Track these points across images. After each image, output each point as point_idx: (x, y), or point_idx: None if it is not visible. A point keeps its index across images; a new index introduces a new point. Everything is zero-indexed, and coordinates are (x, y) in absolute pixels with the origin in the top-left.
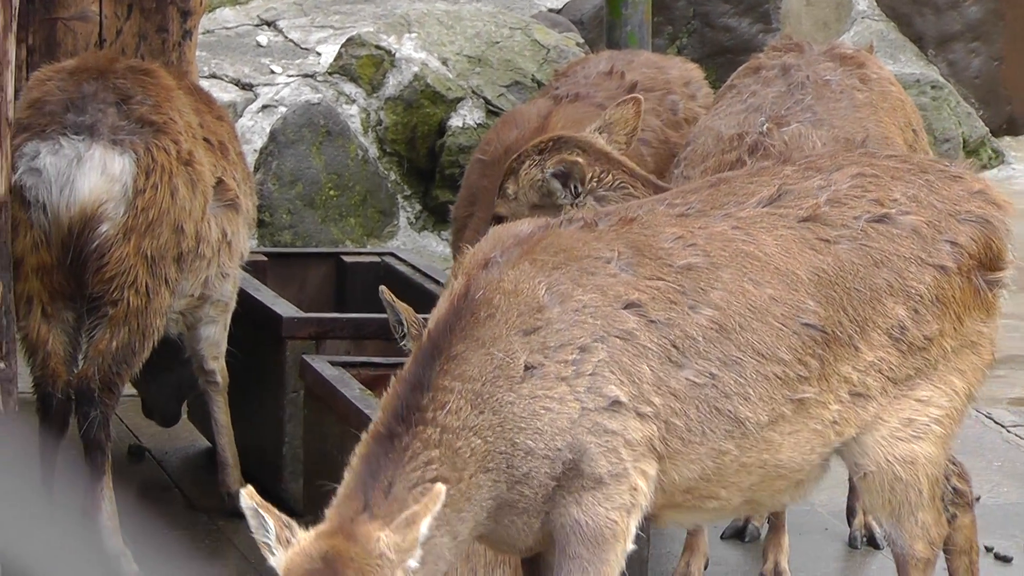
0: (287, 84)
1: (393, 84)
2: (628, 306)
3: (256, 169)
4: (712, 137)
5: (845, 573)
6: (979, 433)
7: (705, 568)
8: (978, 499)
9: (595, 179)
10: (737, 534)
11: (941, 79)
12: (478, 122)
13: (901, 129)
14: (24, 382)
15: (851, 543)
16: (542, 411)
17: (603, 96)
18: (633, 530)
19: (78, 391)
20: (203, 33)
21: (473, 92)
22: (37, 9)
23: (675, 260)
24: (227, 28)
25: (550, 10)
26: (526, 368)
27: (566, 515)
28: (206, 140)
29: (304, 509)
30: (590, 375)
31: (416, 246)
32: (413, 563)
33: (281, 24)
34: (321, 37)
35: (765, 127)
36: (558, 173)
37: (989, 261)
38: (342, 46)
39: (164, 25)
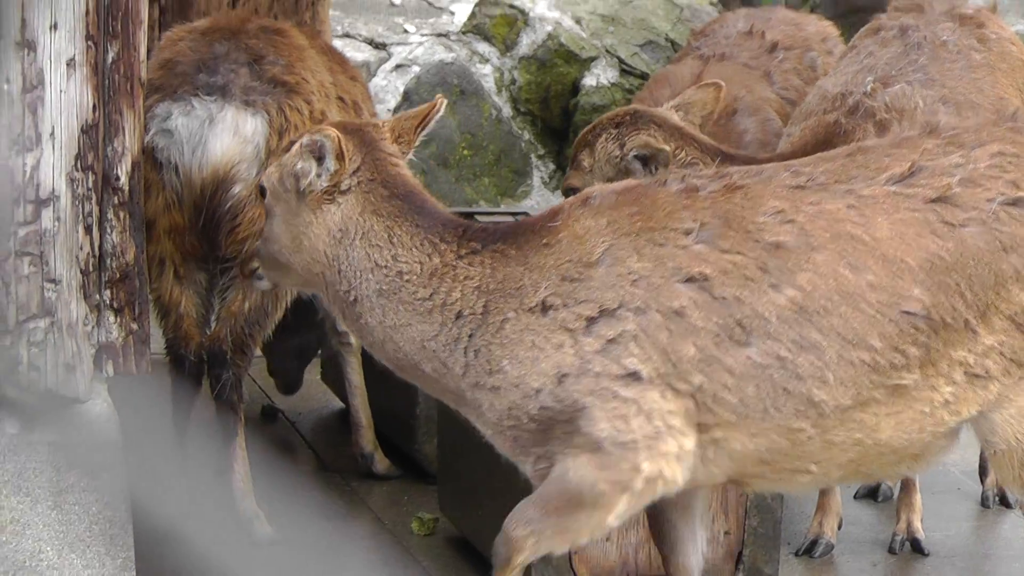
0: (420, 43)
1: (527, 43)
2: (688, 280)
3: None
4: (818, 95)
5: (978, 532)
6: None
7: (839, 528)
8: None
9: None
10: (870, 493)
11: None
12: (612, 81)
13: (1019, 89)
14: (156, 343)
15: (983, 503)
16: (530, 344)
17: (747, 56)
18: (625, 509)
19: (210, 353)
20: None
21: (607, 51)
22: None
23: (765, 236)
24: None
25: None
26: (543, 304)
27: (559, 467)
28: (340, 99)
29: (437, 470)
30: (608, 340)
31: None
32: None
33: None
34: None
35: (869, 87)
36: (640, 156)
37: None
38: (476, 5)
39: None
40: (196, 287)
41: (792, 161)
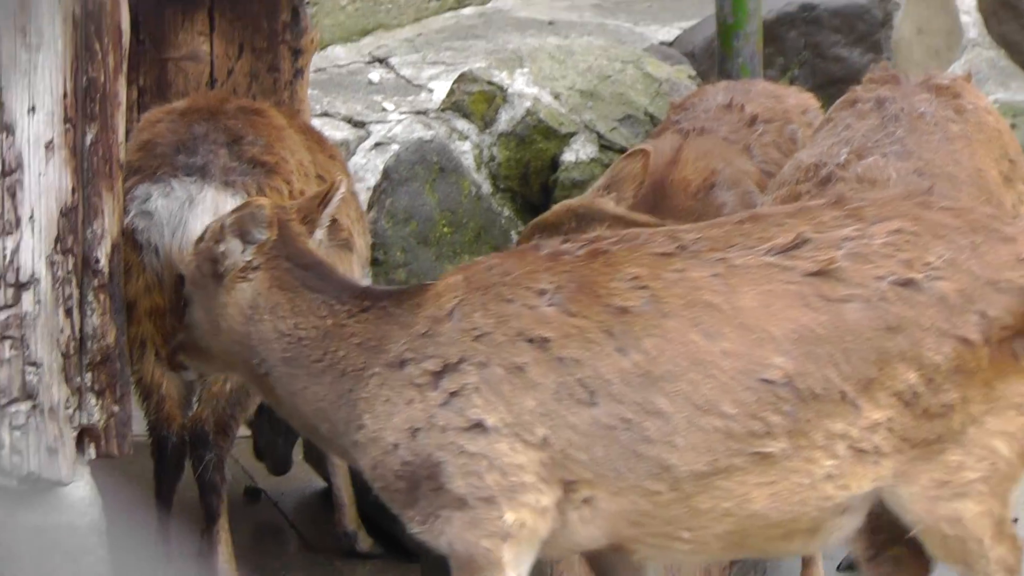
0: (399, 121)
1: (505, 119)
2: (531, 340)
3: (369, 207)
4: (793, 166)
5: None
6: None
7: None
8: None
9: None
10: (851, 566)
11: None
12: (591, 156)
13: (996, 160)
14: (139, 425)
15: None
16: (384, 399)
17: (727, 129)
18: (518, 560)
19: (193, 434)
20: (315, 71)
21: (586, 126)
22: (148, 49)
23: (615, 301)
24: (339, 66)
25: (661, 43)
26: (400, 359)
27: (441, 535)
28: (319, 178)
29: (419, 548)
30: (451, 393)
31: None
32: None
33: (393, 61)
34: (433, 73)
35: (843, 158)
36: None
37: None
38: (454, 82)
39: (275, 64)
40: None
41: (679, 227)
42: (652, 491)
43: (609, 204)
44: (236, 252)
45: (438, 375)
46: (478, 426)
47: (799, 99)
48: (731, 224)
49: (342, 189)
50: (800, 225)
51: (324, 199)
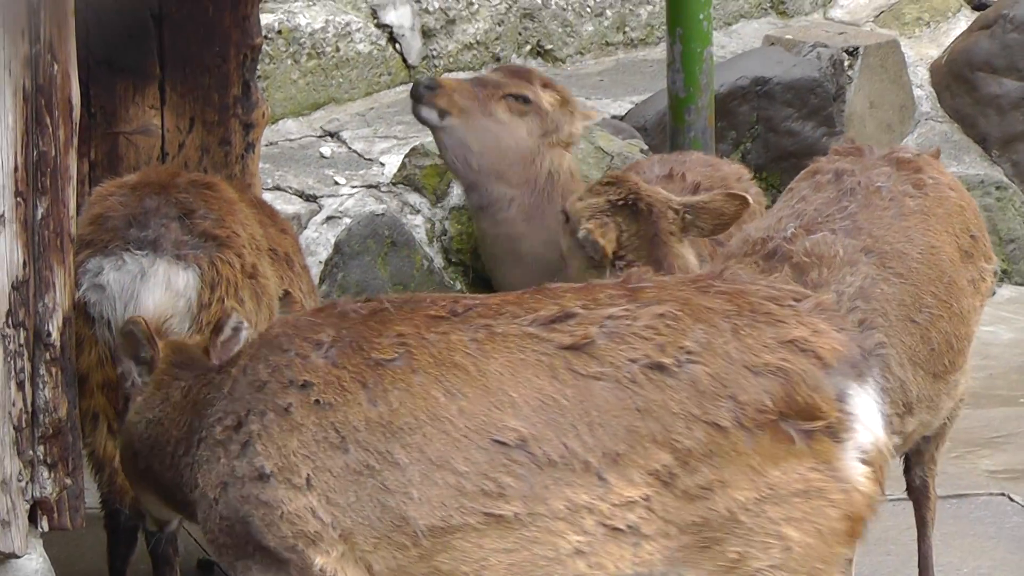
0: (351, 195)
1: (457, 194)
2: (300, 386)
3: (321, 281)
4: (741, 239)
5: None
6: None
7: None
8: None
9: None
10: None
11: (1006, 179)
12: None
13: (956, 235)
14: (92, 498)
15: None
16: (205, 459)
17: None
18: None
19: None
20: (266, 145)
21: None
22: (99, 123)
23: (374, 354)
24: (290, 140)
25: (613, 116)
26: (213, 420)
27: None
28: (271, 251)
29: None
30: (243, 445)
31: None
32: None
33: (344, 135)
34: (384, 147)
35: (790, 232)
36: None
37: (800, 412)
38: (405, 156)
39: (227, 138)
40: None
41: (472, 296)
42: (399, 544)
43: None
44: (132, 372)
45: (235, 429)
46: (262, 476)
47: (733, 168)
48: (520, 295)
49: (233, 318)
50: (574, 300)
51: (217, 328)
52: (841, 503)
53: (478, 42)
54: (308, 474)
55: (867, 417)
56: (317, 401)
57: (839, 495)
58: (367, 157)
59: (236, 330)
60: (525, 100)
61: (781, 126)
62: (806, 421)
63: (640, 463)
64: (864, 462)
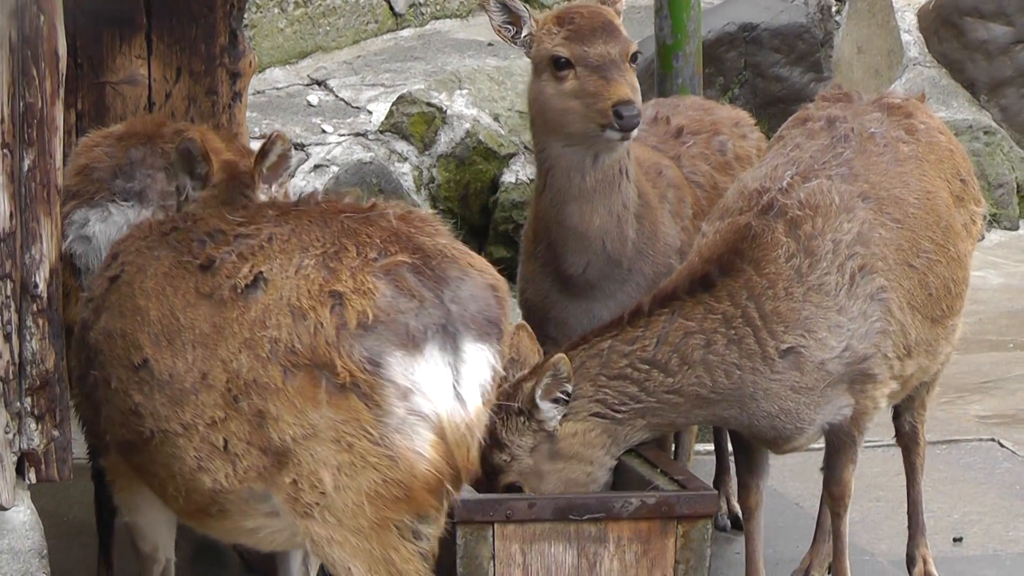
0: (339, 143)
1: (445, 141)
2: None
3: None
4: (736, 191)
5: None
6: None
7: None
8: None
9: None
10: None
11: (994, 124)
12: (531, 177)
13: (947, 180)
14: (79, 448)
15: None
16: None
17: (655, 141)
18: None
19: None
20: (253, 94)
21: (525, 147)
22: (86, 74)
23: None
24: (277, 88)
25: None
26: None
27: None
28: None
29: None
30: None
31: None
32: None
33: (332, 83)
34: (372, 96)
35: (787, 182)
36: None
37: (323, 364)
38: (393, 104)
39: (214, 87)
40: None
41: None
42: None
43: None
44: (187, 188)
45: None
46: None
47: (730, 112)
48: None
49: (279, 144)
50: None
51: (262, 153)
52: (384, 468)
53: None
54: None
55: (428, 388)
56: None
57: (379, 459)
58: (354, 105)
59: (283, 156)
60: None
61: (769, 72)
62: (332, 375)
63: (215, 385)
64: (432, 432)
